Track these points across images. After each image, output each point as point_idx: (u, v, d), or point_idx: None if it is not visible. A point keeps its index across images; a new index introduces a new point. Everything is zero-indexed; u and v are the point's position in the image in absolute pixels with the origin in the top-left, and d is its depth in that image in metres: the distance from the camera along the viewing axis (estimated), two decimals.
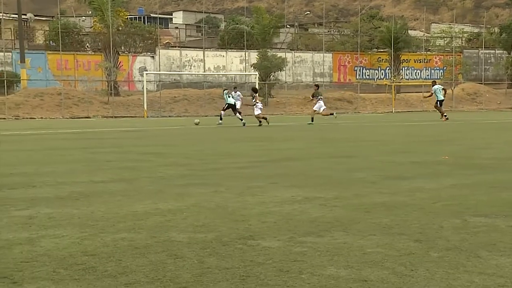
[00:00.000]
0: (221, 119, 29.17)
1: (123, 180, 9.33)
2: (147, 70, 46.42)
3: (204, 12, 65.44)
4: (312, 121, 30.10)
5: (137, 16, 67.05)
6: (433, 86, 32.05)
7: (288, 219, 6.29)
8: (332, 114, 32.96)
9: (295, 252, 4.93)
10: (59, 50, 44.26)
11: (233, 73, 52.23)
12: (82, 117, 36.89)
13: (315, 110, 31.24)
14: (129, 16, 56.70)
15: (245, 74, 51.07)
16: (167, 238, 5.40)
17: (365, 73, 59.41)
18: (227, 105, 28.82)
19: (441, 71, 60.89)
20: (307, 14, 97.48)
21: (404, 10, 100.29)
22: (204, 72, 50.24)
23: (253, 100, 29.25)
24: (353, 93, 51.65)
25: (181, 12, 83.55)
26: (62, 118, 36.50)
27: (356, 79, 57.60)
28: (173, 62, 50.90)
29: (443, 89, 32.13)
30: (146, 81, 41.38)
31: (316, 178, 9.47)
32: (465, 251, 4.94)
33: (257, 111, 28.64)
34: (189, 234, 5.57)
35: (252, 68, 48.73)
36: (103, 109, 39.52)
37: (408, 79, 58.61)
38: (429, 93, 32.80)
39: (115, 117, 37.21)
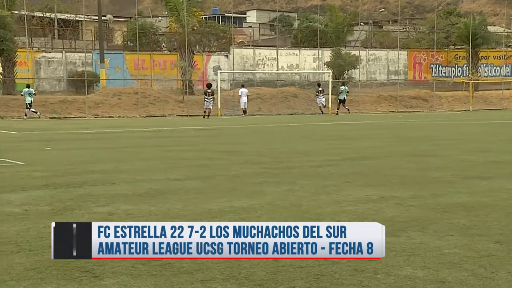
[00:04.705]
0: (37, 112, 32.96)
1: (198, 178, 9.46)
2: (221, 69, 46.87)
3: (278, 11, 65.49)
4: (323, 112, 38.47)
5: (212, 16, 67.84)
6: (341, 86, 40.01)
7: (362, 218, 6.24)
8: (322, 111, 39.08)
9: None
10: (136, 50, 45.26)
11: (306, 71, 52.07)
12: (158, 116, 37.63)
13: (320, 106, 38.92)
14: (204, 16, 57.43)
15: (319, 73, 50.88)
16: None
17: (441, 70, 58.05)
18: (27, 104, 32.83)
19: None
20: (381, 11, 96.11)
21: (483, 6, 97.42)
22: (277, 70, 50.35)
23: (205, 96, 34.94)
24: (429, 91, 50.58)
25: (255, 11, 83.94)
26: (138, 116, 37.34)
27: (432, 76, 56.34)
28: (246, 61, 51.20)
29: (347, 91, 39.40)
30: (220, 80, 41.81)
31: (392, 177, 9.34)
32: None
33: (207, 105, 34.41)
34: None
35: (325, 66, 48.48)
36: (178, 108, 40.14)
37: (486, 77, 56.93)
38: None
39: (190, 115, 37.74)
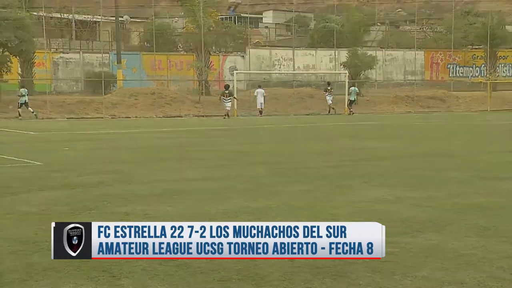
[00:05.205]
0: (19, 115, 32.88)
1: (214, 178, 9.48)
2: (237, 70, 46.89)
3: (294, 11, 65.40)
4: (329, 112, 38.15)
5: (228, 16, 67.92)
6: (350, 87, 39.67)
7: (378, 218, 6.20)
8: (332, 109, 38.63)
9: (387, 252, 4.83)
10: (153, 51, 45.42)
11: (323, 71, 51.96)
12: (174, 116, 37.71)
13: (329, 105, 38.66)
14: (220, 16, 57.53)
15: (335, 73, 50.78)
16: None
17: (458, 70, 57.65)
18: (20, 104, 32.91)
19: None
20: (398, 11, 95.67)
21: (502, 5, 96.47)
22: (294, 71, 50.27)
23: (223, 97, 35.04)
24: (446, 91, 50.26)
25: (271, 11, 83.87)
26: (155, 117, 37.45)
27: (449, 77, 55.98)
28: (262, 62, 51.15)
29: (357, 93, 39.45)
30: (236, 81, 41.84)
31: (408, 178, 9.30)
32: None
33: (227, 107, 34.61)
34: None
35: (341, 66, 48.35)
36: (194, 108, 40.17)
37: (505, 77, 56.47)
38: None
39: (206, 116, 37.80)
